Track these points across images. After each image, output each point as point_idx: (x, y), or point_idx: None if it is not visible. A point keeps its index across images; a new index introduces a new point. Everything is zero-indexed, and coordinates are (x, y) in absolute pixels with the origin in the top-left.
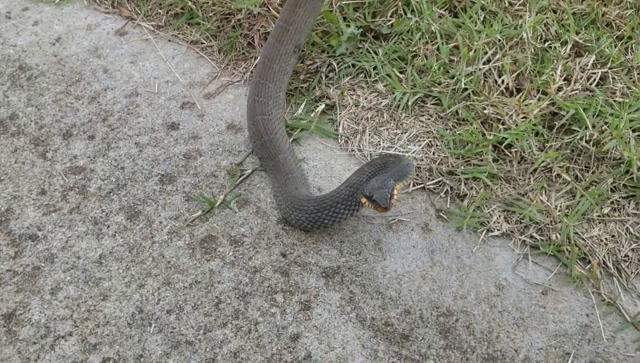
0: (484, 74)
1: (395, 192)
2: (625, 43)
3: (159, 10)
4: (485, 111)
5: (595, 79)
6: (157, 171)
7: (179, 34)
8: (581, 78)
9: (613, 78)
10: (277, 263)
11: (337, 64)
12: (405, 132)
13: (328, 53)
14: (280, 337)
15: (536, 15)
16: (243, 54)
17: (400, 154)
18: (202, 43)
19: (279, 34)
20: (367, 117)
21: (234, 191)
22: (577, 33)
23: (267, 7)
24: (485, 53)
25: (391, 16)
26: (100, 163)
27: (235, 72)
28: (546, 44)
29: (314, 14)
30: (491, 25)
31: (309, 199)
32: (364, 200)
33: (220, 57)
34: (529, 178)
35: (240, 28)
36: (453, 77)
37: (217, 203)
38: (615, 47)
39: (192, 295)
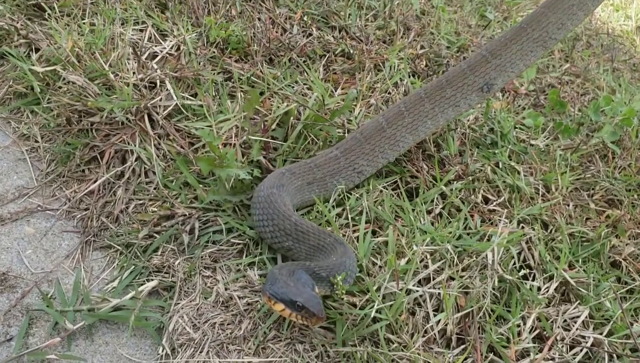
0: (414, 301)
1: None
2: (636, 301)
3: (1, 82)
4: None
5: (582, 350)
6: None
7: (12, 118)
8: (561, 341)
9: (610, 356)
10: None
11: (201, 223)
12: None
13: (202, 202)
14: None
15: (518, 225)
16: (82, 171)
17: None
18: (36, 141)
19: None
20: (216, 323)
21: None
22: (570, 267)
23: (141, 117)
24: (425, 267)
25: None
26: None
27: (58, 196)
28: (520, 273)
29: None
30: (446, 226)
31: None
32: (279, 307)
33: (49, 169)
34: None
35: (89, 135)
36: (365, 293)
37: None
38: (621, 303)
39: None
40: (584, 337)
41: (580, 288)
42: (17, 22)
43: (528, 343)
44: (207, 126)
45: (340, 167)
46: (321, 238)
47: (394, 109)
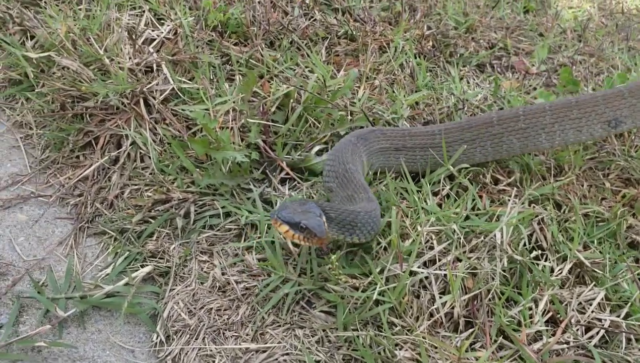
0: (419, 282)
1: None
2: None
3: None
4: (399, 353)
5: (598, 332)
6: None
7: (6, 105)
8: (576, 325)
9: (628, 340)
10: None
11: (197, 207)
12: (264, 352)
13: (199, 186)
14: None
15: (529, 206)
16: (76, 157)
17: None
18: (30, 128)
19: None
20: (213, 308)
21: None
22: (585, 248)
23: (137, 102)
24: (431, 248)
25: (320, 153)
26: None
27: (52, 182)
28: (532, 254)
29: None
30: (456, 206)
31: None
32: (284, 228)
33: (43, 155)
34: None
35: (84, 120)
36: (367, 276)
37: None
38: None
39: None
40: (600, 320)
41: (595, 270)
42: (12, 10)
43: (540, 326)
44: (204, 109)
45: (434, 143)
46: (357, 191)
47: (512, 110)
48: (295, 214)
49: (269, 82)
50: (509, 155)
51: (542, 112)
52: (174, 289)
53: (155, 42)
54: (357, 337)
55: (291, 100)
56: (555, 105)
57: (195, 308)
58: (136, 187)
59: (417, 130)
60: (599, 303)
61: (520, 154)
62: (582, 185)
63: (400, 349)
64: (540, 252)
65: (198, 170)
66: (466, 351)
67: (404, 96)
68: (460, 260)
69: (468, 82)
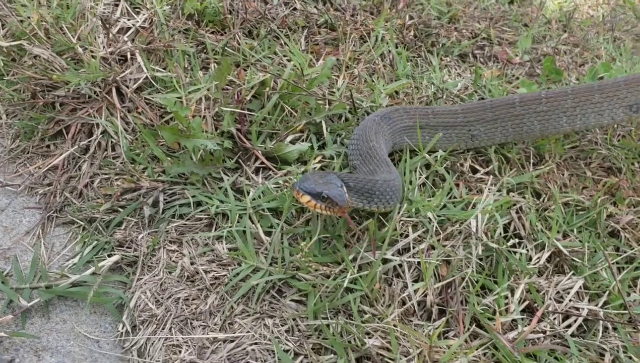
0: (393, 270)
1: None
2: (635, 270)
3: None
4: (369, 341)
5: (575, 321)
6: None
7: None
8: (553, 313)
9: (605, 328)
10: None
11: (167, 196)
12: (232, 342)
13: (170, 175)
14: None
15: (507, 193)
16: (47, 147)
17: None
18: (0, 117)
19: None
20: (180, 298)
21: None
22: (565, 236)
23: (109, 91)
24: (405, 236)
25: (294, 142)
26: None
27: (21, 172)
28: (510, 242)
29: None
30: (431, 196)
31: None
32: (306, 199)
33: (13, 145)
34: None
35: (55, 109)
36: (339, 264)
37: None
38: (619, 274)
39: None
40: (577, 309)
41: (574, 258)
42: None
43: (516, 315)
44: (177, 97)
45: (456, 122)
46: (379, 165)
47: (535, 93)
48: (317, 185)
49: (245, 70)
50: (528, 138)
51: (564, 95)
52: (141, 279)
53: (130, 31)
54: (327, 325)
55: (267, 89)
56: (578, 89)
57: (162, 298)
58: (106, 176)
59: (440, 108)
60: (577, 292)
61: (540, 137)
62: (563, 174)
63: (370, 337)
64: (517, 240)
65: (169, 159)
66: (438, 339)
67: (383, 85)
68: (434, 248)
69: (449, 72)
